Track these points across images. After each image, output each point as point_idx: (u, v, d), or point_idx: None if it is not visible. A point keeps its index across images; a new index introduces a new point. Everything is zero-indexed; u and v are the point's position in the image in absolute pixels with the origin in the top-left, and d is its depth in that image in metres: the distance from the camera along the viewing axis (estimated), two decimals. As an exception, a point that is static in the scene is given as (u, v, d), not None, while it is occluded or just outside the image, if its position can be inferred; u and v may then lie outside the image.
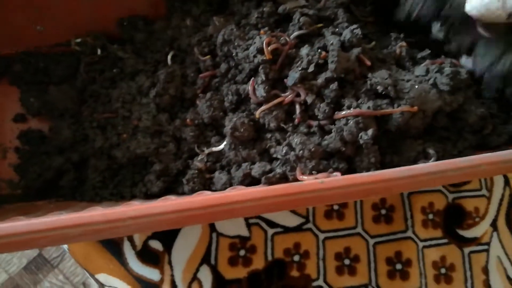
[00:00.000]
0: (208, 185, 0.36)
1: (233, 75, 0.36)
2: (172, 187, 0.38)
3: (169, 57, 0.39)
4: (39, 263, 1.04)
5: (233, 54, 0.35)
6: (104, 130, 0.41)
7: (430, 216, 0.50)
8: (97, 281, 0.46)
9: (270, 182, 0.32)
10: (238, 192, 0.26)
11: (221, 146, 0.36)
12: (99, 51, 0.42)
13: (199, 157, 0.36)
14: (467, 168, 0.29)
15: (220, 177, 0.35)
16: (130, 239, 0.45)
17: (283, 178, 0.33)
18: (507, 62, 0.33)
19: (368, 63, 0.33)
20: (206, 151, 0.36)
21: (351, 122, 0.31)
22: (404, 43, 0.36)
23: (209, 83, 0.37)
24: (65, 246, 0.48)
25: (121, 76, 0.42)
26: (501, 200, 0.52)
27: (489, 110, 0.38)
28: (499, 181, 0.52)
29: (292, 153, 0.32)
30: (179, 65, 0.39)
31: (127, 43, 0.43)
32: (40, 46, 0.45)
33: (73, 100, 0.42)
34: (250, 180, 0.34)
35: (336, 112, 0.32)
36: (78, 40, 0.43)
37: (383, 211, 0.50)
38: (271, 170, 0.33)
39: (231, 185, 0.35)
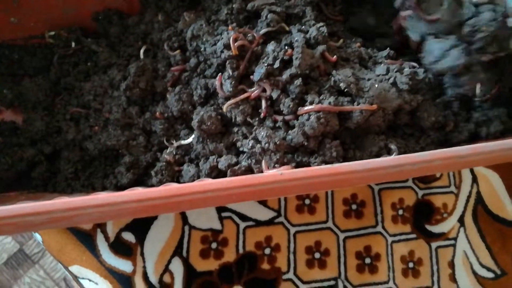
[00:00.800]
0: (176, 178, 0.37)
1: (202, 69, 0.36)
2: (141, 180, 0.38)
3: (141, 51, 0.40)
4: (19, 258, 1.04)
5: (202, 49, 0.35)
6: (77, 122, 0.41)
7: (400, 212, 0.51)
8: (70, 273, 0.47)
9: (235, 175, 0.33)
10: (198, 183, 0.27)
11: (190, 139, 0.36)
12: (73, 44, 0.43)
13: (168, 150, 0.37)
14: (423, 162, 0.31)
15: (188, 169, 0.36)
16: (104, 231, 0.45)
17: (249, 171, 0.34)
18: (447, 60, 0.34)
19: (333, 59, 0.34)
20: (175, 144, 0.37)
21: (313, 117, 0.32)
22: (358, 43, 0.37)
23: (179, 77, 0.38)
24: (39, 239, 0.48)
25: (95, 69, 0.42)
26: (469, 197, 0.54)
27: (451, 108, 0.39)
28: (467, 178, 0.54)
29: (258, 146, 0.33)
30: (151, 59, 0.40)
31: (102, 37, 0.44)
32: (15, 38, 0.45)
33: (46, 92, 0.42)
34: (217, 173, 0.35)
35: (299, 108, 0.33)
36: (52, 33, 0.43)
37: (354, 206, 0.51)
38: (237, 163, 0.34)
39: (199, 177, 0.36)
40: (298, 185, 0.29)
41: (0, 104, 0.44)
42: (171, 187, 0.26)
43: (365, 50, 0.37)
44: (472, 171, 0.54)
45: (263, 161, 0.33)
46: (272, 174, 0.28)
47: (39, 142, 0.42)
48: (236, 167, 0.33)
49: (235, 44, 0.33)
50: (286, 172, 0.28)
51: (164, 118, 0.38)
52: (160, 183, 0.36)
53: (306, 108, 0.33)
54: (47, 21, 0.44)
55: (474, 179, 0.54)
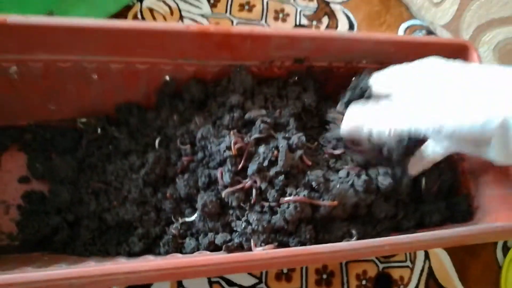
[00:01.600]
0: (179, 249, 0.45)
1: (206, 162, 0.46)
2: (150, 248, 0.46)
3: (156, 141, 0.49)
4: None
5: (208, 147, 0.45)
6: (97, 196, 0.49)
7: (364, 282, 0.60)
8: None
9: (229, 250, 0.42)
10: (203, 258, 0.36)
11: (193, 218, 0.45)
12: (99, 130, 0.52)
13: (174, 225, 0.46)
14: (375, 247, 0.40)
15: (190, 242, 0.44)
16: (108, 291, 0.52)
17: (240, 247, 0.43)
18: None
19: (309, 163, 0.44)
20: (180, 220, 0.46)
21: (291, 206, 0.41)
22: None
23: (187, 166, 0.47)
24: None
25: (115, 152, 0.51)
26: (422, 271, 0.63)
27: (402, 200, 0.50)
28: (420, 255, 0.63)
29: (249, 227, 0.42)
30: (164, 149, 0.49)
31: (122, 125, 0.53)
32: (49, 120, 0.54)
33: (73, 169, 0.51)
34: (213, 247, 0.44)
35: (281, 198, 0.42)
36: (84, 120, 0.52)
37: (324, 276, 0.59)
38: (230, 240, 0.43)
39: (198, 249, 0.44)
40: (280, 262, 0.38)
41: (31, 175, 0.53)
42: (186, 260, 0.34)
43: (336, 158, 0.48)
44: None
45: (252, 240, 0.42)
46: (260, 252, 0.37)
47: (63, 211, 0.49)
48: (229, 244, 0.42)
49: (235, 146, 0.43)
50: (270, 251, 0.37)
51: (173, 199, 0.47)
52: (167, 252, 0.44)
53: (286, 198, 0.42)
54: (78, 109, 0.53)
55: (427, 256, 0.64)
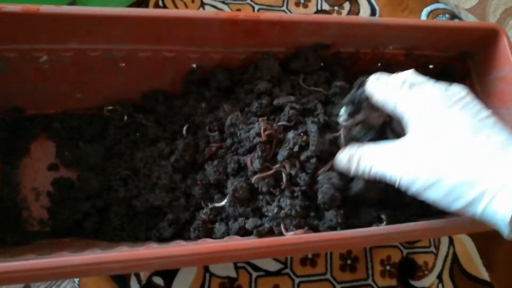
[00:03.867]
0: (209, 234, 0.45)
1: (235, 148, 0.46)
2: (180, 233, 0.47)
3: (184, 129, 0.50)
4: (25, 295, 1.08)
5: (238, 134, 0.45)
6: (125, 183, 0.50)
7: (388, 268, 0.60)
8: (103, 311, 0.54)
9: (260, 235, 0.42)
10: (238, 243, 0.36)
11: (223, 203, 0.45)
12: (125, 118, 0.53)
13: (204, 210, 0.46)
14: (406, 232, 0.40)
15: (219, 228, 0.45)
16: (137, 275, 0.53)
17: (270, 232, 0.43)
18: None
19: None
20: (210, 206, 0.46)
21: (326, 183, 0.42)
22: None
23: (216, 152, 0.48)
24: (76, 280, 0.56)
25: (142, 140, 0.52)
26: (446, 257, 0.63)
27: None
28: (445, 240, 0.63)
29: (282, 211, 0.42)
30: (192, 136, 0.49)
31: (149, 112, 0.53)
32: (77, 108, 0.55)
33: (101, 156, 0.52)
34: (244, 232, 0.44)
35: (317, 172, 0.43)
36: (110, 107, 0.53)
37: (349, 261, 0.59)
38: (261, 225, 0.43)
39: (228, 234, 0.45)
40: (313, 247, 0.38)
41: (60, 163, 0.53)
42: (221, 244, 0.35)
43: None
44: (449, 234, 0.64)
45: (282, 224, 0.42)
46: (294, 237, 0.38)
47: (92, 197, 0.50)
48: (260, 228, 0.43)
49: (265, 133, 0.43)
50: (304, 236, 0.38)
51: (202, 185, 0.47)
52: (197, 237, 0.45)
53: (321, 170, 0.43)
54: (105, 97, 0.54)
55: (451, 241, 0.64)
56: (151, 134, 0.51)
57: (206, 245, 0.37)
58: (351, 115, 0.42)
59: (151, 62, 0.49)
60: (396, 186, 0.36)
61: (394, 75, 0.39)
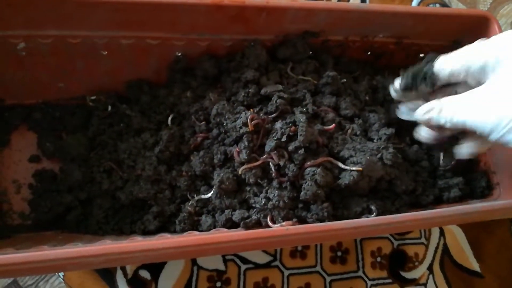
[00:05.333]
0: (196, 226, 0.44)
1: (222, 138, 0.45)
2: (165, 226, 0.46)
3: (169, 119, 0.48)
4: (12, 290, 1.06)
5: (224, 124, 0.44)
6: (109, 175, 0.49)
7: (378, 259, 0.60)
8: (88, 306, 0.53)
9: (247, 227, 0.41)
10: (225, 235, 0.35)
11: (209, 195, 0.44)
12: (109, 108, 0.51)
13: (190, 203, 0.45)
14: (396, 223, 0.39)
15: (206, 220, 0.44)
16: (123, 269, 0.52)
17: (258, 224, 0.42)
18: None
19: (331, 128, 0.44)
20: (196, 198, 0.45)
21: (317, 171, 0.41)
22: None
23: (201, 143, 0.46)
24: (61, 274, 0.54)
25: (126, 130, 0.50)
26: (437, 248, 0.62)
27: (421, 177, 0.49)
28: (435, 232, 0.63)
29: (270, 203, 0.41)
30: (177, 126, 0.48)
31: (133, 102, 0.52)
32: (58, 98, 0.53)
33: (84, 147, 0.50)
34: (230, 224, 0.43)
35: (305, 163, 0.42)
36: (93, 97, 0.51)
37: (339, 253, 0.59)
38: (248, 217, 0.42)
39: (214, 227, 0.43)
40: (301, 238, 0.37)
41: (41, 154, 0.52)
42: (206, 236, 0.34)
43: (358, 126, 0.47)
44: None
45: (269, 216, 0.41)
46: (281, 229, 0.37)
47: (75, 189, 0.49)
48: (247, 220, 0.41)
49: (252, 122, 0.42)
50: (291, 227, 0.37)
51: (188, 176, 0.46)
52: (183, 230, 0.43)
53: (309, 162, 0.42)
54: (87, 86, 0.52)
55: (442, 233, 0.63)
56: (135, 125, 0.49)
57: (192, 237, 0.36)
58: (405, 88, 0.43)
59: (135, 50, 0.47)
60: (477, 132, 0.37)
61: None
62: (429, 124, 0.42)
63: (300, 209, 0.42)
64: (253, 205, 0.43)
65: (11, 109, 0.52)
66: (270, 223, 0.41)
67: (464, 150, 0.43)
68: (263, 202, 0.41)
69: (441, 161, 0.50)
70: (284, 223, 0.40)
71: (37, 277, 1.08)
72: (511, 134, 0.34)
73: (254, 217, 0.42)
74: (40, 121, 0.52)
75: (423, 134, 0.46)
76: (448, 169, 0.50)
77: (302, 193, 0.41)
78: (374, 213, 0.43)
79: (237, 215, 0.42)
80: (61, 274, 0.55)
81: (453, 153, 0.45)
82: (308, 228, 0.37)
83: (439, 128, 0.42)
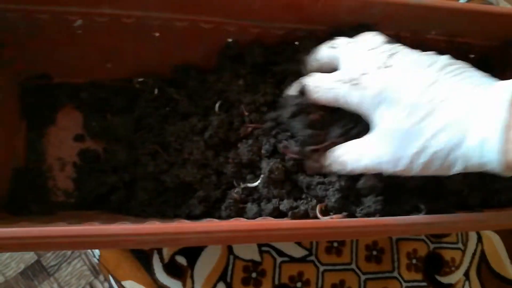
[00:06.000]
0: (241, 214, 0.44)
1: (276, 133, 0.44)
2: (210, 212, 0.45)
3: (217, 105, 0.48)
4: (36, 269, 1.08)
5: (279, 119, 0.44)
6: (154, 157, 0.48)
7: (414, 261, 0.59)
8: (122, 286, 0.53)
9: (295, 217, 0.41)
10: (284, 221, 0.35)
11: (256, 183, 0.44)
12: (156, 91, 0.51)
13: (236, 190, 0.45)
14: (449, 223, 0.38)
15: (252, 208, 0.43)
16: (159, 253, 0.52)
17: (305, 215, 0.41)
18: None
19: None
20: (242, 185, 0.45)
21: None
22: None
23: (251, 132, 0.46)
24: (97, 253, 0.55)
25: (172, 114, 0.50)
26: (474, 254, 0.61)
27: (469, 178, 0.48)
28: (473, 237, 0.61)
29: (321, 193, 0.41)
30: (225, 113, 0.48)
31: (180, 87, 0.52)
32: (104, 79, 0.53)
33: (130, 129, 0.50)
34: (277, 213, 0.42)
35: None
36: (141, 79, 0.51)
37: (375, 252, 0.58)
38: (296, 207, 0.41)
39: (260, 215, 0.43)
40: (352, 232, 0.37)
41: (86, 134, 0.52)
42: (263, 222, 0.33)
43: None
44: (477, 231, 0.62)
45: (318, 207, 0.41)
46: (334, 221, 0.36)
47: (119, 171, 0.49)
48: (296, 210, 0.41)
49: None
50: (345, 220, 0.36)
51: (235, 163, 0.45)
52: (229, 216, 0.43)
53: None
54: (135, 68, 0.52)
55: (479, 239, 0.62)
56: (182, 109, 0.49)
57: (247, 222, 0.35)
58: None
59: (187, 34, 0.47)
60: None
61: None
62: None
63: (350, 203, 0.42)
64: (302, 196, 0.42)
65: (59, 87, 0.52)
66: (319, 215, 0.40)
67: None
68: (314, 193, 0.40)
69: None
70: (334, 216, 0.39)
71: (60, 258, 1.10)
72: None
73: (302, 207, 0.41)
74: (87, 100, 0.52)
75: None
76: None
77: (360, 182, 0.40)
78: (423, 212, 0.42)
79: (285, 205, 0.42)
80: (96, 254, 0.55)
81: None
82: (360, 222, 0.37)
83: None
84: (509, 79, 0.37)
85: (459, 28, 0.52)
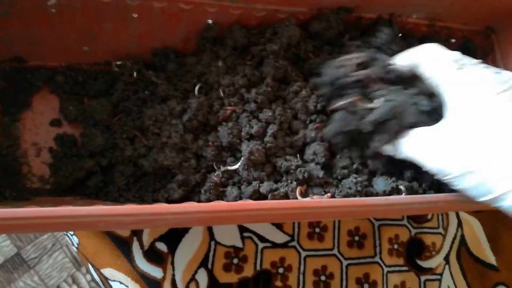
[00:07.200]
0: (221, 197, 0.43)
1: (257, 114, 0.44)
2: (189, 196, 0.45)
3: (196, 88, 0.47)
4: (15, 262, 1.06)
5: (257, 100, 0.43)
6: (132, 141, 0.47)
7: (395, 246, 0.59)
8: (101, 275, 0.52)
9: (275, 199, 0.40)
10: (261, 202, 0.34)
11: (236, 166, 0.43)
12: (135, 74, 0.50)
13: (216, 173, 0.44)
14: (430, 203, 0.38)
15: (231, 191, 0.43)
16: (139, 239, 0.51)
17: (285, 197, 0.41)
18: None
19: None
20: (222, 168, 0.44)
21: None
22: None
23: (230, 115, 0.45)
24: (76, 241, 0.53)
25: (151, 98, 0.49)
26: (454, 239, 0.61)
27: None
28: (453, 222, 0.62)
29: (301, 176, 0.40)
30: (204, 96, 0.47)
31: (159, 70, 0.51)
32: (81, 62, 0.52)
33: (107, 112, 0.49)
34: (257, 196, 0.42)
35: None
36: (119, 62, 0.50)
37: (357, 238, 0.58)
38: (276, 189, 0.41)
39: (240, 198, 0.42)
40: (333, 212, 0.36)
41: (63, 118, 0.51)
42: (243, 202, 0.33)
43: None
44: (458, 216, 0.63)
45: (298, 189, 0.40)
46: (314, 201, 0.36)
47: (96, 155, 0.48)
48: (275, 192, 0.41)
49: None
50: (325, 200, 0.36)
51: (214, 146, 0.45)
52: (208, 200, 0.42)
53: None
54: (113, 51, 0.51)
55: (459, 224, 0.62)
56: (161, 92, 0.48)
57: (227, 203, 0.35)
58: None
59: (166, 14, 0.46)
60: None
61: (444, 50, 0.37)
62: None
63: (329, 184, 0.41)
64: (282, 179, 0.42)
65: (34, 70, 0.50)
66: (299, 197, 0.40)
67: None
68: (294, 175, 0.40)
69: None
70: (314, 197, 0.39)
71: (40, 250, 1.08)
72: (457, 181, 0.34)
73: (282, 190, 0.41)
74: (63, 84, 0.51)
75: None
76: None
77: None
78: (404, 194, 0.42)
79: (265, 187, 0.41)
80: (75, 243, 0.54)
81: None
82: (344, 202, 0.36)
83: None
84: (490, 64, 0.37)
85: (440, 12, 0.52)
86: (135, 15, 0.46)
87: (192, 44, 0.51)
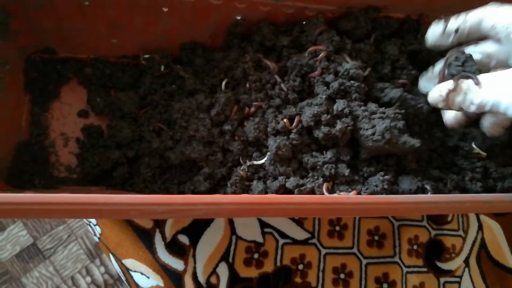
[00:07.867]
0: (246, 191, 0.44)
1: (283, 109, 0.44)
2: (215, 189, 0.45)
3: (223, 83, 0.47)
4: (31, 252, 1.07)
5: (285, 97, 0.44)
6: (158, 134, 0.48)
7: (415, 247, 0.59)
8: (123, 265, 0.53)
9: (301, 194, 0.41)
10: (287, 196, 0.34)
11: (262, 161, 0.44)
12: (162, 68, 0.50)
13: (242, 167, 0.44)
14: (456, 202, 0.38)
15: (257, 185, 0.43)
16: (162, 232, 0.51)
17: (311, 192, 0.41)
18: None
19: None
20: (248, 163, 0.44)
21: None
22: None
23: (256, 111, 0.46)
24: (98, 231, 0.54)
25: (178, 92, 0.50)
26: (474, 242, 0.61)
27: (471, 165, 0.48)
28: (473, 225, 0.62)
29: (332, 171, 0.41)
30: (231, 91, 0.47)
31: (186, 64, 0.51)
32: (109, 55, 0.52)
33: (135, 105, 0.50)
34: (283, 191, 0.42)
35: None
36: (147, 56, 0.51)
37: (376, 237, 0.58)
38: (303, 184, 0.41)
39: (266, 193, 0.43)
40: (361, 209, 0.36)
41: (90, 110, 0.51)
42: (273, 196, 0.33)
43: None
44: (478, 219, 0.62)
45: (325, 185, 0.41)
46: (342, 197, 0.36)
47: (123, 147, 0.48)
48: (302, 188, 0.41)
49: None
50: (352, 196, 0.36)
51: (241, 141, 0.45)
52: (234, 193, 0.43)
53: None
54: (141, 45, 0.51)
55: (480, 227, 0.62)
56: (188, 86, 0.49)
57: (255, 195, 0.35)
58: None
59: (196, 9, 0.47)
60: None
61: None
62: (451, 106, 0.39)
63: (355, 181, 0.42)
64: (308, 175, 0.42)
65: (64, 62, 0.51)
66: (325, 193, 0.40)
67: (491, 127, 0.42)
68: (321, 172, 0.40)
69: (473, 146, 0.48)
70: (342, 193, 0.39)
71: (56, 241, 1.09)
72: None
73: (308, 185, 0.41)
74: (91, 76, 0.52)
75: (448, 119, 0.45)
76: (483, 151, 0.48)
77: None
78: (429, 193, 0.42)
79: (291, 182, 0.41)
80: (98, 232, 0.54)
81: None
82: (372, 199, 0.36)
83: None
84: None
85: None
86: (165, 9, 0.47)
87: (220, 40, 0.51)
